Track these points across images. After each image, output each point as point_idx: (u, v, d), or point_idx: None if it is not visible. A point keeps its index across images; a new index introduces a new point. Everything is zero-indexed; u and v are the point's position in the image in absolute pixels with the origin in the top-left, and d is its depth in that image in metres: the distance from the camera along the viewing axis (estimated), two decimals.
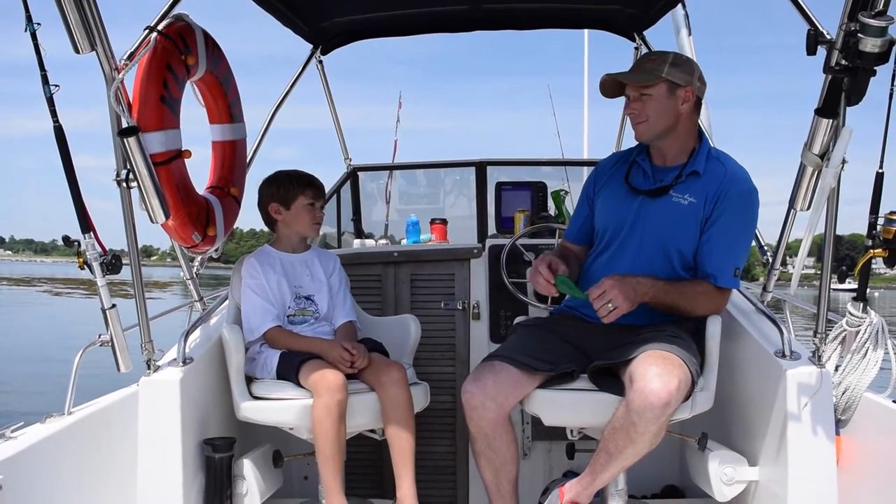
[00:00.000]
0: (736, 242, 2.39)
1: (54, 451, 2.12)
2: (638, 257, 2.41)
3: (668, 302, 2.34)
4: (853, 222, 2.71)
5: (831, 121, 2.13)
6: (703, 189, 2.37)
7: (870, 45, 1.88)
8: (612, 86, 2.47)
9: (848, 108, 2.07)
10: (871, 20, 1.86)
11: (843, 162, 2.12)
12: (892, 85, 2.72)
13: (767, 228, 2.84)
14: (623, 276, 2.29)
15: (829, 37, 2.05)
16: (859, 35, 1.88)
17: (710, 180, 2.38)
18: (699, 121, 3.55)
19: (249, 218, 2.93)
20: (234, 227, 2.89)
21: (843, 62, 1.95)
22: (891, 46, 1.90)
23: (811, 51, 2.04)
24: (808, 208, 2.32)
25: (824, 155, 2.19)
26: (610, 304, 2.22)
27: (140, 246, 2.40)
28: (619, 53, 3.82)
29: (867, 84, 1.98)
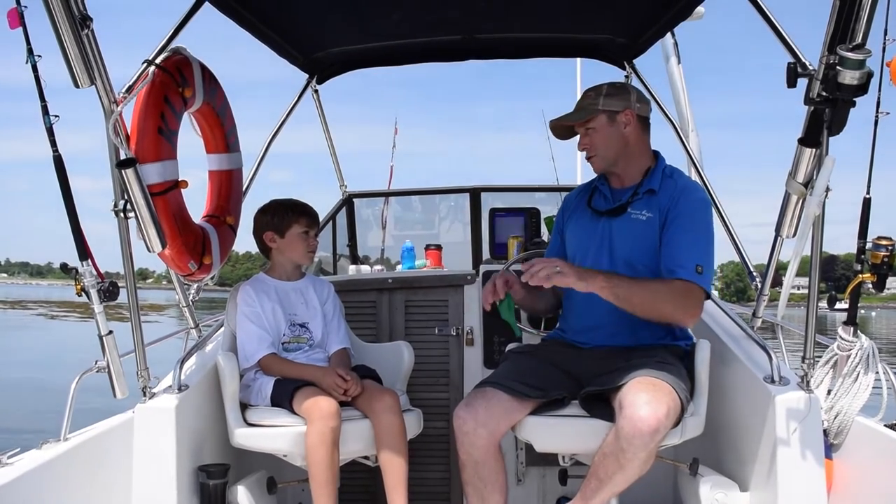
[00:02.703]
0: (692, 240, 2.39)
1: (50, 478, 2.14)
2: None
3: (627, 295, 2.29)
4: (850, 241, 2.75)
5: (814, 150, 2.18)
6: (658, 204, 2.45)
7: (848, 77, 1.91)
8: (562, 129, 2.60)
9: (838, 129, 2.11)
10: (850, 53, 1.90)
11: (827, 190, 2.16)
12: (877, 113, 2.79)
13: (757, 249, 2.88)
14: None
15: (810, 68, 2.10)
16: (838, 67, 1.92)
17: (664, 196, 2.46)
18: (690, 148, 3.62)
19: (246, 241, 2.98)
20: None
21: (824, 93, 1.99)
22: (869, 78, 1.94)
23: (791, 83, 2.08)
24: (794, 235, 2.36)
25: (808, 183, 2.23)
26: (558, 268, 2.25)
27: (136, 268, 2.43)
28: (610, 79, 3.88)
29: (847, 115, 2.01)
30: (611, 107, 2.48)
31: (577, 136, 2.58)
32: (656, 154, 2.57)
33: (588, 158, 2.55)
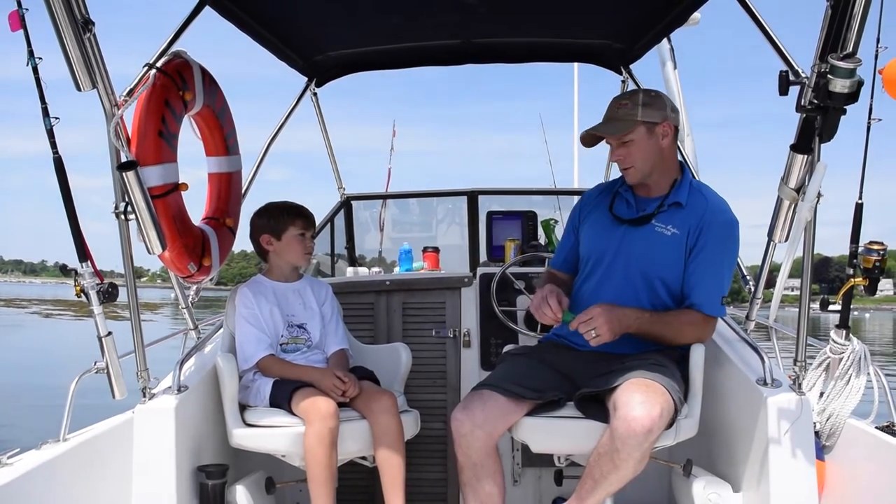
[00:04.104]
0: (721, 272, 2.45)
1: (50, 478, 2.15)
2: (624, 285, 2.47)
3: (653, 333, 2.40)
4: (843, 243, 2.78)
5: (806, 156, 2.20)
6: (686, 221, 2.43)
7: (839, 85, 1.94)
8: (590, 137, 2.52)
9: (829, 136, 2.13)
10: (840, 62, 1.92)
11: (819, 196, 2.19)
12: (869, 119, 2.82)
13: (754, 251, 2.91)
14: (611, 305, 2.35)
15: (802, 76, 2.13)
16: (829, 76, 1.94)
17: (693, 212, 2.44)
18: (685, 152, 3.65)
19: (241, 241, 3.00)
20: None
21: (815, 101, 2.02)
22: (860, 87, 1.96)
23: (783, 91, 2.11)
24: (786, 240, 2.38)
25: (800, 189, 2.25)
26: (594, 332, 2.29)
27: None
28: (607, 82, 3.90)
29: (838, 122, 2.04)
30: (650, 118, 2.41)
31: (595, 142, 2.53)
32: (681, 165, 2.55)
33: (623, 170, 2.49)
